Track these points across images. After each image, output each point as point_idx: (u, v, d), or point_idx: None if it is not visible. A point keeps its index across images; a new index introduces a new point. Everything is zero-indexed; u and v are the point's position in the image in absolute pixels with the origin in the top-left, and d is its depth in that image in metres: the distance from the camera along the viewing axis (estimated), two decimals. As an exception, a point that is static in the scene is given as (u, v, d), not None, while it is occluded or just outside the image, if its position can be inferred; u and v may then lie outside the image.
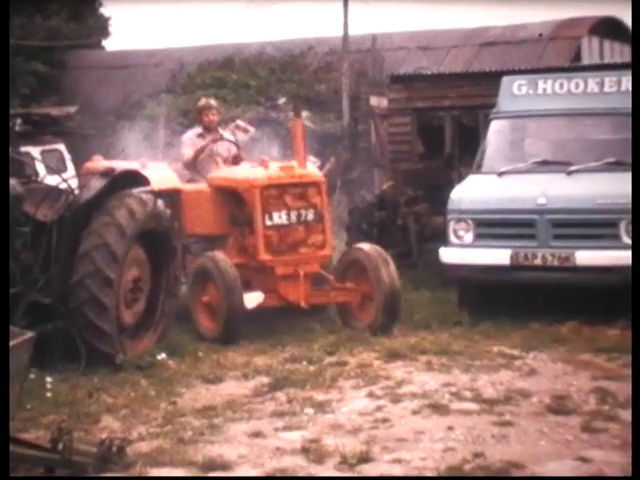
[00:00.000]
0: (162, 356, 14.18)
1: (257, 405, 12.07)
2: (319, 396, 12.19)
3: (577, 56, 36.42)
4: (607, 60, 37.08)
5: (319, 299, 15.75)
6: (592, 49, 37.89)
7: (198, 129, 18.05)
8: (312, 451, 10.21)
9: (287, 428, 11.09)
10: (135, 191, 14.43)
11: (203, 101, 18.79)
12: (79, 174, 21.81)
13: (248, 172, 16.35)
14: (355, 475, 9.62)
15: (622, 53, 38.91)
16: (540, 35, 36.46)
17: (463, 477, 6.84)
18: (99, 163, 19.43)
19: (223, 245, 16.36)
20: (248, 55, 39.87)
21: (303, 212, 15.41)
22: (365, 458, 9.90)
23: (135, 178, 15.08)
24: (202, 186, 17.01)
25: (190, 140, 17.84)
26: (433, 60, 36.45)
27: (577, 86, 18.65)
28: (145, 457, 10.02)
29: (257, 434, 10.87)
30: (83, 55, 43.97)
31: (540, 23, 38.37)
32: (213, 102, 18.66)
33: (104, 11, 48.38)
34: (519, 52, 35.78)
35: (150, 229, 14.38)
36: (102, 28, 48.03)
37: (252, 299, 14.81)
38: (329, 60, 37.90)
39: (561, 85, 18.77)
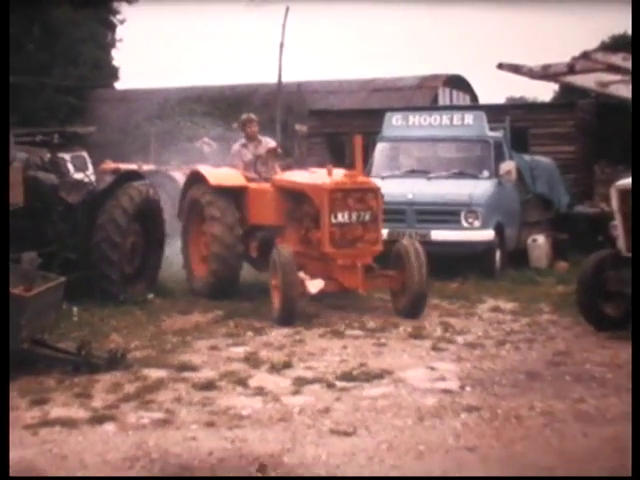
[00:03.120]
0: (151, 296, 14.26)
1: (215, 329, 12.16)
2: (257, 324, 12.28)
3: (435, 100, 36.76)
4: (455, 103, 37.47)
5: (369, 285, 13.18)
6: (445, 95, 38.28)
7: (242, 140, 15.54)
8: (251, 360, 10.35)
9: (235, 344, 11.22)
10: (134, 183, 14.48)
11: (245, 115, 16.11)
12: (96, 172, 21.86)
13: (316, 177, 13.75)
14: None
15: (464, 99, 39.41)
16: None
17: (464, 477, 6.53)
18: (110, 165, 19.29)
19: (281, 234, 14.10)
20: (212, 94, 39.93)
21: (362, 213, 12.95)
22: (287, 365, 10.06)
23: (134, 175, 15.26)
24: (265, 185, 14.57)
25: (236, 152, 15.39)
26: (339, 100, 36.56)
27: (435, 120, 18.78)
28: (139, 361, 10.15)
29: (214, 348, 11.00)
30: (101, 92, 44.06)
31: (411, 77, 38.71)
32: (253, 116, 15.99)
33: (115, 63, 49.24)
34: (397, 96, 35.99)
35: (144, 209, 14.40)
36: (114, 74, 48.95)
37: (314, 285, 12.56)
38: (267, 99, 37.95)
39: (424, 119, 18.90)
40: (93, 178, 16.35)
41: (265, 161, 15.16)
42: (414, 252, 12.93)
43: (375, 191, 13.23)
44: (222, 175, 14.94)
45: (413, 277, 12.75)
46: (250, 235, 14.44)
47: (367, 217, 13.01)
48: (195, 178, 15.23)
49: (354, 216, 12.92)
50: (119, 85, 49.23)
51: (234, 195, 14.54)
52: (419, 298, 12.85)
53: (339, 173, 13.42)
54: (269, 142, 15.61)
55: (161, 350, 10.81)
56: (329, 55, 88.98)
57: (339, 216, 12.84)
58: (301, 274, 12.62)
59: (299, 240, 13.59)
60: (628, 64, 11.28)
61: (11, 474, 6.70)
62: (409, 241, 13.60)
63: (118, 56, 51.03)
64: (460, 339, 11.36)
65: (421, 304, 12.93)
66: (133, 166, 21.56)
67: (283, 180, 14.33)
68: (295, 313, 12.39)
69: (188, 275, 15.06)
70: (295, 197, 13.91)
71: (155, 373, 9.69)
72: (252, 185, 14.67)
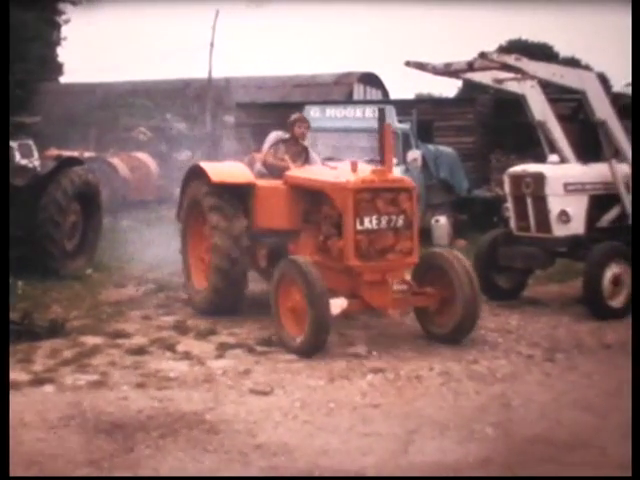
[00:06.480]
0: (89, 271, 14.16)
1: (147, 300, 12.08)
2: (185, 296, 12.00)
3: (350, 95, 36.92)
4: (368, 98, 37.67)
5: (401, 304, 9.81)
6: (359, 91, 38.49)
7: (285, 135, 11.85)
8: (180, 328, 10.34)
9: (165, 314, 11.19)
10: (74, 168, 14.43)
11: (297, 114, 12.36)
12: (41, 158, 21.66)
13: (337, 174, 10.34)
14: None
15: (377, 94, 39.68)
16: None
17: (464, 477, 6.02)
18: (53, 152, 19.08)
19: (295, 241, 10.77)
20: (148, 87, 39.70)
21: (393, 218, 9.63)
22: (212, 332, 10.05)
23: (75, 161, 15.21)
24: (277, 182, 11.07)
25: (272, 139, 11.87)
26: (264, 94, 36.48)
27: (349, 113, 18.83)
28: (77, 329, 10.09)
29: (146, 317, 10.96)
30: (46, 86, 43.51)
31: (329, 74, 38.83)
32: (305, 116, 12.58)
33: (60, 60, 49.08)
34: (316, 91, 36.04)
35: (83, 191, 14.36)
36: (58, 70, 48.92)
37: (336, 305, 9.25)
38: (199, 92, 37.82)
39: (340, 112, 18.95)
40: (37, 164, 16.25)
41: (281, 156, 11.56)
42: (460, 265, 9.72)
43: (410, 191, 9.88)
44: (225, 171, 11.55)
45: (464, 296, 9.53)
46: (258, 241, 11.20)
47: (400, 222, 9.72)
48: (195, 174, 11.70)
49: (384, 221, 9.67)
50: (63, 79, 49.01)
51: (239, 193, 11.21)
52: (470, 321, 9.69)
53: (366, 169, 10.12)
54: (310, 149, 12.06)
55: (98, 319, 10.72)
56: (255, 53, 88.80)
57: (366, 221, 9.61)
58: None
59: (316, 248, 10.36)
60: (519, 64, 11.42)
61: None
62: (449, 251, 10.36)
63: (63, 53, 50.86)
64: (368, 309, 11.33)
65: (471, 328, 9.78)
66: (75, 153, 21.40)
67: (297, 177, 10.92)
68: (326, 341, 9.23)
69: (186, 284, 11.85)
70: (311, 197, 10.68)
71: (92, 340, 9.63)
72: (261, 182, 11.26)
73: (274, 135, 11.97)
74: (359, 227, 9.55)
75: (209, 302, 11.05)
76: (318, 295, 9.00)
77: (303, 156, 11.67)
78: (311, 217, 10.67)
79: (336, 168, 10.78)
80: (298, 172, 11.05)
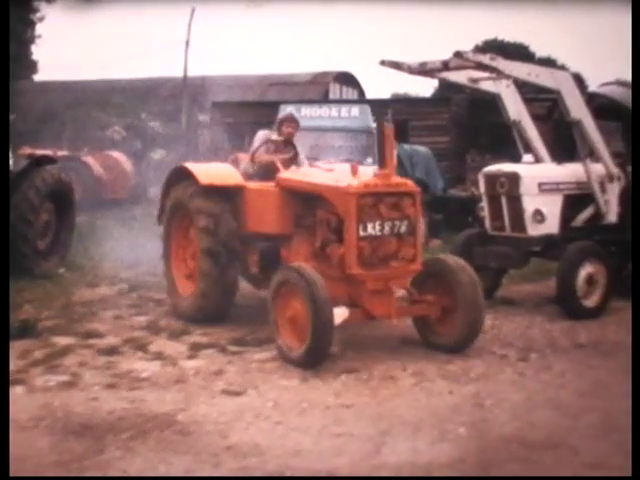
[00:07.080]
0: (62, 270, 14.05)
1: (119, 300, 11.97)
2: (158, 296, 12.04)
3: (326, 94, 36.94)
4: (344, 97, 37.72)
5: (403, 312, 9.40)
6: (335, 90, 38.55)
7: (273, 135, 11.18)
8: (152, 328, 10.27)
9: (137, 314, 11.09)
10: (47, 167, 14.36)
11: (286, 114, 11.82)
12: (14, 156, 21.55)
13: (337, 177, 9.68)
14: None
15: (353, 94, 39.77)
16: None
17: (463, 477, 5.94)
18: (26, 150, 18.98)
19: (287, 245, 10.24)
20: (123, 85, 39.59)
21: (397, 223, 9.11)
22: (185, 332, 9.99)
23: (47, 159, 15.09)
24: (268, 185, 10.51)
25: (261, 137, 11.19)
26: (239, 93, 36.45)
27: (325, 112, 18.81)
28: (49, 329, 9.99)
29: (119, 317, 10.86)
30: (20, 84, 43.32)
31: (305, 73, 38.83)
32: (294, 116, 11.52)
33: (34, 58, 49.10)
34: (292, 90, 36.05)
35: (56, 190, 14.26)
36: (32, 67, 48.84)
37: (338, 315, 8.69)
38: (175, 91, 37.74)
39: (315, 111, 18.92)
40: (10, 162, 16.14)
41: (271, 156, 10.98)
42: (463, 272, 9.31)
43: (413, 195, 9.32)
44: (213, 172, 10.88)
45: (466, 304, 9.16)
46: (249, 246, 10.65)
47: (403, 228, 9.20)
48: (179, 175, 11.12)
49: (387, 227, 9.14)
50: (37, 78, 48.91)
51: (229, 196, 10.65)
52: (473, 330, 9.28)
53: (367, 172, 9.57)
54: (302, 155, 11.34)
55: (70, 320, 10.62)
56: (231, 52, 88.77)
57: (369, 227, 9.06)
58: None
59: (311, 254, 9.84)
60: (494, 63, 11.42)
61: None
62: (452, 258, 9.87)
63: (37, 51, 50.76)
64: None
65: (474, 337, 9.35)
66: (48, 152, 21.30)
67: (292, 180, 10.26)
68: (327, 354, 8.77)
69: (169, 290, 11.35)
70: (306, 200, 10.07)
71: (63, 340, 9.55)
72: (251, 185, 10.69)
73: (262, 134, 11.34)
74: (362, 233, 9.01)
75: (196, 310, 10.58)
76: (322, 305, 8.45)
77: (292, 156, 11.10)
78: (304, 221, 10.14)
79: (332, 170, 10.21)
80: (292, 174, 10.42)
